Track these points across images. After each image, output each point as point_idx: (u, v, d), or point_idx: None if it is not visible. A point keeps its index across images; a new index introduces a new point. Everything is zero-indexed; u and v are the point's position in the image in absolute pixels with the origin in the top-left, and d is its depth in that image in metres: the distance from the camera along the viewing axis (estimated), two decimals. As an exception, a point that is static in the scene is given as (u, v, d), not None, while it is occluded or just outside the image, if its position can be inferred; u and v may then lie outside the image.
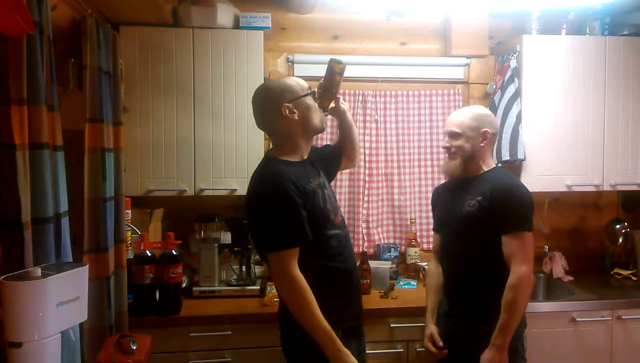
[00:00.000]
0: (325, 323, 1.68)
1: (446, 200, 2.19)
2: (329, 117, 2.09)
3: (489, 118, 2.09)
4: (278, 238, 1.70)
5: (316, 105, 1.86)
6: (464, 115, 2.08)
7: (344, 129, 2.12)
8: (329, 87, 1.87)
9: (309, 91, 1.85)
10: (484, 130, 2.04)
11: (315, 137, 2.79)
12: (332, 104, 1.96)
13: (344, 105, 2.05)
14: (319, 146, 2.26)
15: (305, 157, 1.88)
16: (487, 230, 1.95)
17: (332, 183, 2.86)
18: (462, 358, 2.02)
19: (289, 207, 1.69)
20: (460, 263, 2.06)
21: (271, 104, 1.81)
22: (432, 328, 2.14)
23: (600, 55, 2.72)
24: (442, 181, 2.90)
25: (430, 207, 2.91)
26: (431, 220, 2.94)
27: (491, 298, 1.95)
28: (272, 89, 1.84)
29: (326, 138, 2.84)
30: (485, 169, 2.07)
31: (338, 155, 2.13)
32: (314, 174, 1.85)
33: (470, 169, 2.07)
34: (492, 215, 1.93)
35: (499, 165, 2.65)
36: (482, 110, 2.14)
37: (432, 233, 2.95)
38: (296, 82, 1.86)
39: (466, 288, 2.05)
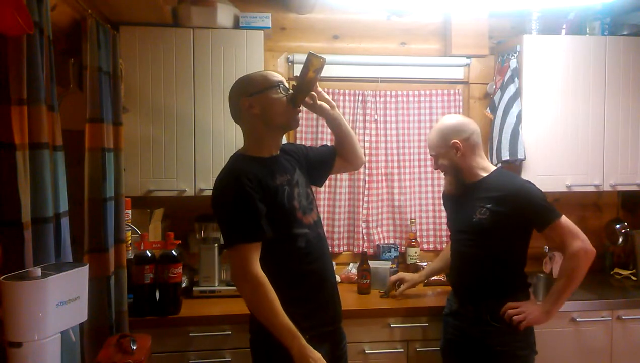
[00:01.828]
0: (288, 321, 1.62)
1: (453, 207, 2.21)
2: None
3: (455, 127, 2.06)
4: (234, 233, 1.66)
5: (283, 99, 1.75)
6: (431, 136, 2.13)
7: (332, 128, 1.99)
8: (302, 82, 1.76)
9: (275, 84, 1.75)
10: (452, 142, 2.04)
11: (315, 136, 2.84)
12: (310, 100, 1.84)
13: (325, 103, 1.89)
14: (315, 146, 2.24)
15: (275, 153, 1.83)
16: (503, 233, 1.99)
17: (332, 183, 2.89)
18: (478, 355, 2.04)
19: (243, 201, 1.65)
20: (473, 266, 2.07)
21: (234, 98, 1.79)
22: (407, 276, 2.47)
23: (600, 55, 2.72)
24: (442, 181, 2.91)
25: (430, 208, 2.96)
26: (431, 221, 3.00)
27: (502, 297, 2.01)
28: (237, 84, 1.81)
29: (326, 138, 2.84)
30: (484, 174, 2.07)
31: (330, 156, 2.02)
32: (282, 170, 1.79)
33: (466, 177, 2.09)
34: (517, 219, 1.96)
35: (499, 165, 2.66)
36: (448, 120, 2.13)
37: (432, 233, 3.01)
38: (263, 75, 1.79)
39: (478, 289, 2.07)
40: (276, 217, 1.70)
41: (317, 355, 1.63)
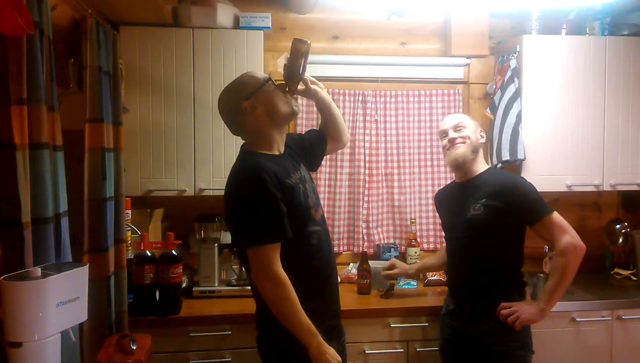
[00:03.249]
0: (307, 319, 1.64)
1: (449, 205, 2.23)
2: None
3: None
4: (258, 233, 1.65)
5: (279, 91, 1.78)
6: (462, 116, 2.21)
7: (322, 109, 2.02)
8: (293, 70, 1.79)
9: (266, 80, 1.78)
10: (480, 129, 2.17)
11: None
12: (302, 86, 1.88)
13: (315, 86, 1.93)
14: (300, 133, 2.24)
15: (282, 150, 1.83)
16: (498, 229, 2.00)
17: (332, 183, 2.90)
18: (474, 355, 2.04)
19: (268, 201, 1.64)
20: (469, 264, 2.08)
21: (231, 108, 1.78)
22: (399, 264, 2.50)
23: (600, 55, 2.72)
24: (442, 181, 2.93)
25: (430, 208, 2.96)
26: (431, 220, 3.00)
27: (498, 296, 2.02)
28: (228, 93, 1.82)
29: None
30: (481, 170, 2.13)
31: (321, 139, 2.05)
32: (293, 167, 1.80)
33: (471, 167, 2.11)
34: (510, 214, 1.98)
35: (499, 165, 2.67)
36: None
37: (432, 233, 3.01)
38: (250, 76, 1.81)
39: (474, 287, 2.07)
40: (294, 216, 1.71)
41: (332, 351, 1.67)
